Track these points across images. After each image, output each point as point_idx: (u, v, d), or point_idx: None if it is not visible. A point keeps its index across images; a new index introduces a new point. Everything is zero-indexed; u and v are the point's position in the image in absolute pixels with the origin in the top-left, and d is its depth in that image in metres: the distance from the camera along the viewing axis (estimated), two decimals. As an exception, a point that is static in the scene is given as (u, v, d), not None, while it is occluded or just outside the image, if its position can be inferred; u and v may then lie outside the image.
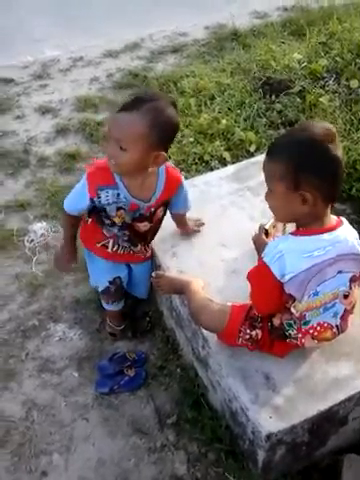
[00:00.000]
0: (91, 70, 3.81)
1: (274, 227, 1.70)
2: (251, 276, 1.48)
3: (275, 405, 1.45)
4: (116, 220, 1.66)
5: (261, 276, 1.43)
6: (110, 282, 1.87)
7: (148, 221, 1.72)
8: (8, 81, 3.71)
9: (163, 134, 1.49)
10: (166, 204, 1.75)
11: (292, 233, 1.41)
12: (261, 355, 1.55)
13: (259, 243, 1.66)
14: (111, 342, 2.02)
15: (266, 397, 1.47)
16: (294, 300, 1.41)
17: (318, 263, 1.35)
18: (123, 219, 1.66)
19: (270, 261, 1.37)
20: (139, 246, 1.81)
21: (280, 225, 1.73)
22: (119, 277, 1.87)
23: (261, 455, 1.48)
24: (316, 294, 1.39)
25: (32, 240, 2.45)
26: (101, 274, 1.87)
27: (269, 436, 1.41)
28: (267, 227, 1.68)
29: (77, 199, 1.65)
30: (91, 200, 1.61)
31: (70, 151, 2.98)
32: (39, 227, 2.51)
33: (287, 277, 1.36)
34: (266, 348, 1.54)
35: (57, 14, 4.46)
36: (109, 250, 1.79)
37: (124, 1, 4.58)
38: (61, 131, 3.17)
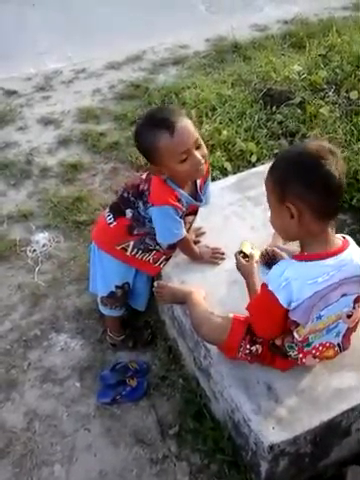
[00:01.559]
0: (93, 82, 3.85)
1: (253, 248, 1.65)
2: (253, 306, 1.46)
3: (278, 416, 1.45)
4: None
5: (266, 304, 1.38)
6: (117, 286, 1.89)
7: (194, 214, 1.87)
8: (11, 93, 3.76)
9: None
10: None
11: (296, 257, 1.37)
12: (263, 365, 1.55)
13: (242, 270, 1.60)
14: (113, 352, 2.02)
15: (269, 408, 1.47)
16: (297, 325, 1.39)
17: (322, 289, 1.32)
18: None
19: (276, 289, 1.33)
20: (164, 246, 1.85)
21: (280, 240, 1.73)
22: (128, 283, 1.91)
23: (264, 466, 1.47)
24: (319, 318, 1.38)
25: (34, 250, 2.46)
26: (111, 277, 1.89)
27: (272, 447, 1.41)
28: (240, 250, 1.62)
29: (175, 226, 1.72)
30: (181, 212, 1.71)
31: (72, 161, 3.00)
32: (41, 237, 2.53)
33: (294, 304, 1.33)
34: (267, 362, 1.54)
35: (60, 27, 4.51)
36: (128, 253, 1.83)
37: (126, 14, 4.64)
38: (63, 142, 3.20)
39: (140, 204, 1.73)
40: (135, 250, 1.83)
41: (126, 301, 1.98)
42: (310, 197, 1.27)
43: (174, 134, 1.54)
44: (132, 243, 1.82)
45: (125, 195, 1.78)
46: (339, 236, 1.40)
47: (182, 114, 1.62)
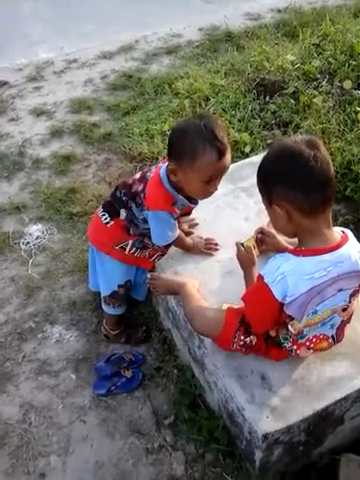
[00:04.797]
0: (85, 72, 3.82)
1: (254, 246, 1.62)
2: (248, 296, 1.46)
3: (271, 405, 1.46)
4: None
5: (260, 296, 1.38)
6: (120, 285, 1.89)
7: (188, 214, 1.88)
8: (2, 83, 3.72)
9: None
10: None
11: (293, 252, 1.35)
12: (257, 355, 1.56)
13: (242, 260, 1.58)
14: (108, 343, 2.02)
15: (262, 397, 1.48)
16: (292, 319, 1.39)
17: (319, 284, 1.32)
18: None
19: (272, 283, 1.32)
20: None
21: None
22: (130, 280, 1.90)
23: (258, 455, 1.49)
24: (315, 312, 1.38)
25: (28, 242, 2.45)
26: (113, 277, 1.88)
27: (266, 436, 1.42)
28: (243, 242, 1.60)
29: (169, 228, 1.72)
30: (176, 215, 1.71)
31: (65, 153, 2.99)
32: (35, 229, 2.52)
33: (288, 299, 1.33)
34: (262, 352, 1.54)
35: (51, 16, 4.46)
36: (126, 252, 1.82)
37: (118, 3, 4.59)
38: (56, 133, 3.18)
39: (133, 205, 1.72)
40: (134, 249, 1.82)
41: (127, 298, 1.97)
42: (293, 196, 1.26)
43: (221, 160, 1.53)
44: (131, 242, 1.81)
45: (117, 194, 1.76)
46: (338, 230, 1.39)
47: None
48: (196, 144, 1.51)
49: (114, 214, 1.77)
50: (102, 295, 1.95)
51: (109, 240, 1.81)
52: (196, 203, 1.78)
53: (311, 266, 1.31)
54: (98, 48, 4.06)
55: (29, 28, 4.29)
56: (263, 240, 1.71)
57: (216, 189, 1.63)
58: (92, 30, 4.19)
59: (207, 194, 1.65)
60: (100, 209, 1.83)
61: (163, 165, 1.68)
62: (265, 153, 1.40)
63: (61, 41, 4.12)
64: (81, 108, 3.38)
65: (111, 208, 1.79)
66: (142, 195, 1.69)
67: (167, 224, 1.71)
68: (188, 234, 1.93)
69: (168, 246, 1.86)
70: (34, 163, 2.95)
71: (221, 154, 1.52)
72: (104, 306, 1.97)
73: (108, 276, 1.89)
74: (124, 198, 1.74)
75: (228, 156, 1.56)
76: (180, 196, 1.68)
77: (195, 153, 1.52)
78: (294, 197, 1.26)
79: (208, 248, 1.88)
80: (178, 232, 1.77)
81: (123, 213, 1.75)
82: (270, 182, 1.31)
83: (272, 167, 1.32)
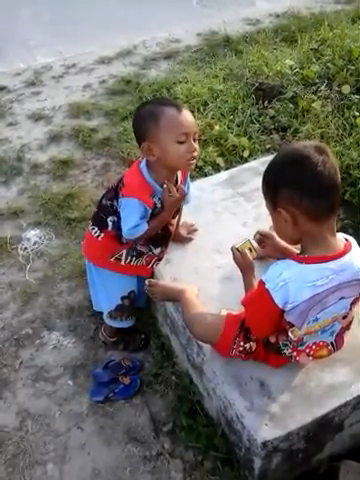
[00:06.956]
0: (84, 77, 3.82)
1: (251, 250, 1.56)
2: (248, 301, 1.44)
3: (270, 412, 1.45)
4: None
5: (261, 302, 1.37)
6: (123, 297, 1.87)
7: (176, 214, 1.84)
8: (1, 88, 3.72)
9: None
10: None
11: (296, 259, 1.34)
12: (256, 362, 1.54)
13: (239, 264, 1.55)
14: (105, 350, 2.01)
15: (261, 404, 1.47)
16: (293, 326, 1.38)
17: (320, 292, 1.31)
18: None
19: (273, 289, 1.31)
20: (160, 248, 1.82)
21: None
22: (133, 291, 1.88)
23: (257, 463, 1.47)
24: (316, 320, 1.37)
25: (25, 248, 2.44)
26: (115, 290, 1.86)
27: (265, 443, 1.40)
28: (238, 246, 1.56)
29: (135, 220, 1.64)
30: (150, 210, 1.66)
31: (63, 158, 2.98)
32: (32, 235, 2.51)
33: (289, 306, 1.32)
34: (261, 358, 1.53)
35: (49, 21, 4.47)
36: (122, 263, 1.80)
37: (117, 8, 4.60)
38: (54, 138, 3.18)
39: (117, 205, 1.69)
40: (129, 258, 1.80)
41: (135, 309, 1.95)
42: (300, 200, 1.25)
43: (181, 112, 1.57)
44: (125, 251, 1.78)
45: (103, 202, 1.74)
46: (341, 237, 1.37)
47: None
48: (153, 110, 1.58)
49: (103, 226, 1.75)
50: (107, 311, 1.91)
51: (103, 253, 1.79)
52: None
53: (313, 274, 1.30)
54: (96, 53, 4.07)
55: (28, 33, 4.29)
56: (262, 242, 1.69)
57: (196, 151, 1.59)
58: (90, 35, 4.20)
59: (189, 158, 1.59)
60: (90, 223, 1.81)
61: (143, 160, 1.66)
62: (272, 157, 1.38)
63: (59, 46, 4.13)
64: (79, 113, 3.38)
65: (99, 220, 1.76)
66: (120, 185, 1.66)
67: (137, 213, 1.63)
68: (187, 241, 1.92)
69: (163, 252, 1.84)
70: (32, 168, 2.95)
71: (179, 108, 1.58)
72: (110, 321, 1.93)
73: (109, 290, 1.86)
74: (109, 203, 1.71)
75: (188, 112, 1.59)
76: (160, 188, 1.65)
77: (156, 116, 1.56)
78: (300, 201, 1.25)
79: (191, 231, 1.93)
80: (146, 226, 1.67)
81: (110, 222, 1.72)
82: (277, 185, 1.29)
83: (280, 170, 1.31)
